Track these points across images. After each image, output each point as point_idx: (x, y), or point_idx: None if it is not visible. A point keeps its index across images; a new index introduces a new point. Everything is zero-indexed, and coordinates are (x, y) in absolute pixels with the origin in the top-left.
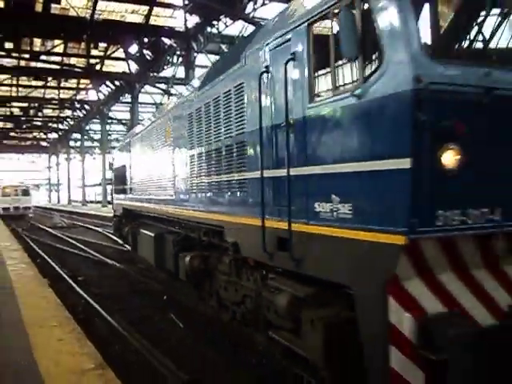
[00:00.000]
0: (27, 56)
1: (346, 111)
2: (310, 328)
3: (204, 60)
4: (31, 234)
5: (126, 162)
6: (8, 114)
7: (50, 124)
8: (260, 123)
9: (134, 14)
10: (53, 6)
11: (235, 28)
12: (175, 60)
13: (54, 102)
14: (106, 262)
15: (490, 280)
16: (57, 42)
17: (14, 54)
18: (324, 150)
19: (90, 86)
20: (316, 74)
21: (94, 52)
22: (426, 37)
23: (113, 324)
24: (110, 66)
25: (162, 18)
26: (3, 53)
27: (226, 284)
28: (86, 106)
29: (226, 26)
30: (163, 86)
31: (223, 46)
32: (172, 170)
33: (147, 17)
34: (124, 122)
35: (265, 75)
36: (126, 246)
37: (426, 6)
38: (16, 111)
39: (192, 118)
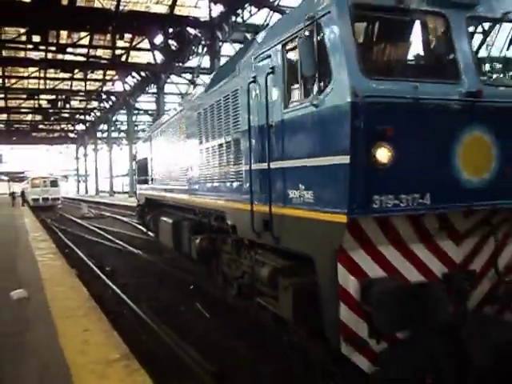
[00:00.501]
0: (54, 49)
1: (307, 117)
2: (284, 292)
3: (229, 49)
4: (60, 225)
5: (147, 155)
6: (36, 106)
7: (78, 115)
8: (249, 124)
9: (158, 5)
10: None
11: (260, 16)
12: (200, 50)
13: (80, 93)
14: (133, 252)
15: (425, 251)
16: (83, 34)
17: (41, 47)
18: (294, 148)
19: (116, 77)
20: (289, 86)
21: (119, 43)
22: (363, 60)
23: (139, 314)
24: (136, 57)
25: (186, 7)
26: (31, 46)
27: (229, 262)
28: (113, 97)
29: (251, 15)
30: (189, 75)
31: (248, 35)
32: (185, 163)
33: (172, 7)
34: (150, 112)
35: (252, 84)
36: (150, 233)
37: (364, 36)
38: (44, 103)
39: (200, 117)
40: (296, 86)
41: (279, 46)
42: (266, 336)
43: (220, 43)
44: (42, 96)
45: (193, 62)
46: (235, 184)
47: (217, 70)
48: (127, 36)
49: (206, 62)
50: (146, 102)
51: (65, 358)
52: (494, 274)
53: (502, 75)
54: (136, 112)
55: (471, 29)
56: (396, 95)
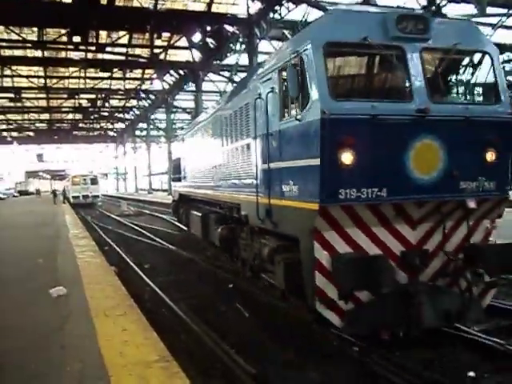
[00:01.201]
0: (93, 48)
1: (294, 128)
2: (278, 266)
3: (267, 46)
4: (99, 222)
5: (180, 155)
6: (77, 105)
7: (117, 114)
8: (255, 132)
9: (196, 3)
10: None
11: (298, 13)
12: (238, 47)
13: (119, 92)
14: (172, 250)
15: (385, 233)
16: (121, 33)
17: (81, 47)
18: (286, 152)
19: (155, 75)
20: (283, 103)
21: (157, 42)
22: (332, 86)
23: (178, 313)
24: (174, 56)
25: (224, 5)
26: (71, 46)
27: (244, 247)
28: (151, 96)
29: (289, 11)
30: (227, 73)
31: (286, 32)
32: (211, 163)
33: (209, 4)
34: (188, 110)
35: (258, 100)
36: (182, 226)
37: (334, 66)
38: (84, 103)
39: (222, 124)
40: (288, 103)
41: (276, 71)
42: (308, 337)
43: (258, 40)
44: (82, 95)
45: (231, 60)
46: (247, 181)
47: (235, 85)
48: (165, 34)
49: (244, 59)
50: (184, 100)
51: (103, 359)
52: (446, 253)
53: (447, 95)
54: (174, 110)
55: (426, 57)
56: (356, 113)
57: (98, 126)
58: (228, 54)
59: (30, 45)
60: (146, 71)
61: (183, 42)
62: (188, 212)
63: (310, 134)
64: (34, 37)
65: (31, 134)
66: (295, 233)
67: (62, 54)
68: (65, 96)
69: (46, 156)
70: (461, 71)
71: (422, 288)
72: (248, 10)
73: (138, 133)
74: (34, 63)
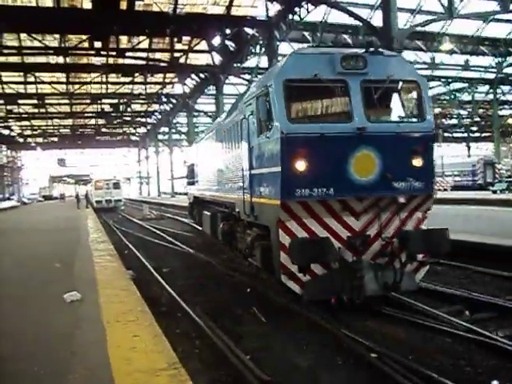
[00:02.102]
0: (114, 53)
1: (265, 143)
2: (256, 250)
3: (287, 48)
4: (121, 226)
5: (193, 161)
6: (99, 110)
7: (139, 118)
8: (243, 145)
9: (215, 6)
10: (137, 3)
11: (318, 14)
12: (258, 50)
13: (141, 96)
14: (191, 253)
15: (334, 222)
16: (142, 38)
17: (102, 53)
18: (261, 161)
19: (176, 79)
20: (259, 123)
21: (177, 46)
22: (289, 112)
23: (193, 318)
24: (194, 59)
25: (243, 7)
26: (93, 52)
27: (239, 238)
28: (173, 100)
29: (308, 12)
30: (247, 76)
31: (306, 34)
32: (216, 168)
33: (228, 7)
34: (210, 114)
35: (244, 119)
36: (198, 226)
37: (291, 97)
38: (106, 107)
39: (223, 136)
40: (261, 124)
41: (255, 99)
42: (325, 343)
43: (278, 42)
44: (104, 100)
45: (251, 63)
46: (239, 184)
47: (233, 104)
48: (185, 38)
49: (264, 61)
50: (205, 103)
51: (110, 366)
52: (383, 238)
53: (381, 116)
54: (196, 114)
55: (364, 86)
56: (307, 132)
57: (121, 131)
58: (248, 57)
59: (52, 51)
60: (167, 75)
61: (203, 45)
62: (200, 212)
63: (274, 148)
64: (55, 43)
65: (55, 139)
66: (267, 223)
67: (84, 60)
68: (87, 101)
69: (70, 161)
70: (394, 97)
71: (364, 265)
72: (267, 12)
73: (160, 137)
74: (56, 69)
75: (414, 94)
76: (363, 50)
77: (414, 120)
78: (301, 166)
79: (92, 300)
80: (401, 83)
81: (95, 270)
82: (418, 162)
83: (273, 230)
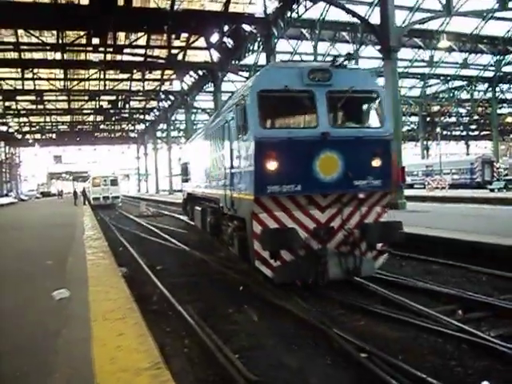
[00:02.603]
0: (112, 50)
1: (242, 145)
2: (235, 239)
3: (286, 46)
4: (117, 223)
5: (187, 160)
6: (98, 107)
7: (137, 115)
8: (225, 146)
9: (213, 3)
10: None
11: (316, 11)
12: (256, 47)
13: (140, 93)
14: (185, 251)
15: (302, 215)
16: (140, 34)
17: (100, 49)
18: (239, 161)
19: (174, 76)
20: (237, 127)
21: (176, 43)
22: (261, 119)
23: (184, 316)
24: (193, 56)
25: (241, 4)
26: (90, 48)
27: (224, 231)
28: (171, 97)
29: (306, 9)
30: (246, 73)
31: (304, 31)
32: (205, 167)
33: (226, 4)
34: (208, 111)
35: (226, 124)
36: (191, 222)
37: (264, 106)
38: (105, 104)
39: (210, 137)
40: (240, 128)
41: (234, 106)
42: (316, 342)
43: (276, 39)
44: (102, 97)
45: (249, 60)
46: (223, 181)
47: (220, 107)
48: (183, 35)
49: (262, 59)
50: (204, 100)
51: (93, 365)
52: (345, 229)
53: (344, 122)
54: (194, 111)
55: (329, 96)
56: (277, 136)
57: (119, 128)
58: (246, 54)
59: (49, 48)
60: (166, 72)
61: (201, 42)
62: (193, 208)
63: (249, 150)
64: (53, 40)
65: (53, 136)
66: (244, 216)
67: (82, 56)
68: (85, 98)
69: (69, 158)
70: (355, 105)
71: (328, 252)
72: (265, 9)
73: (158, 134)
74: (54, 66)
75: (374, 103)
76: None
77: (373, 126)
78: (272, 166)
79: (81, 297)
80: (362, 93)
81: (87, 267)
82: (376, 163)
83: (248, 221)
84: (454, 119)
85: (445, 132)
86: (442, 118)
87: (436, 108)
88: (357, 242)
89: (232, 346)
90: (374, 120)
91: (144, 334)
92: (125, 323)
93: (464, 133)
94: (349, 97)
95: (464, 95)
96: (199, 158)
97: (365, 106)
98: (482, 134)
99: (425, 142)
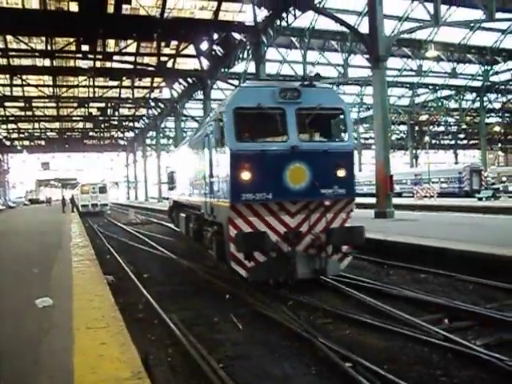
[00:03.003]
0: (101, 57)
1: (220, 157)
2: (214, 243)
3: (275, 54)
4: (105, 231)
5: (173, 169)
6: (87, 114)
7: (127, 123)
8: (205, 157)
9: (203, 11)
10: (124, 6)
11: (305, 19)
12: (245, 55)
13: (129, 101)
14: (173, 259)
15: (274, 220)
16: (129, 41)
17: (89, 56)
18: (217, 171)
19: (164, 84)
20: (216, 140)
21: (165, 50)
22: (236, 134)
23: (169, 325)
24: (182, 64)
25: (230, 12)
26: (80, 55)
27: (205, 236)
28: (161, 104)
29: (296, 18)
30: (235, 81)
31: (294, 39)
32: (188, 176)
33: (216, 12)
34: (197, 118)
35: (206, 137)
36: (176, 228)
37: (239, 122)
38: (94, 111)
39: (193, 149)
40: (218, 141)
41: (213, 121)
42: (301, 352)
43: (265, 48)
44: (91, 104)
45: (239, 68)
46: (203, 190)
47: (199, 124)
48: (173, 43)
49: (252, 67)
50: (193, 108)
51: (74, 375)
52: (313, 233)
53: (312, 136)
54: (184, 119)
55: (298, 113)
56: (251, 149)
57: (109, 135)
58: (236, 62)
59: (38, 54)
60: (155, 79)
61: (191, 50)
62: (177, 214)
63: (225, 162)
64: (42, 46)
65: (42, 142)
66: (221, 221)
67: (71, 63)
68: (75, 105)
69: (57, 165)
70: (322, 121)
71: (297, 254)
72: (255, 18)
73: (148, 141)
74: (43, 72)
75: (339, 119)
76: (299, 84)
77: (338, 140)
78: (246, 175)
79: (65, 306)
80: (328, 110)
81: (73, 274)
82: (340, 173)
83: (225, 226)
84: (442, 128)
85: (434, 141)
86: (431, 127)
87: (425, 117)
88: (323, 245)
89: (216, 356)
90: (338, 134)
91: (127, 343)
92: (108, 332)
93: (452, 142)
94: (316, 113)
95: (452, 104)
96: (184, 168)
97: (331, 122)
98: (470, 143)
99: (414, 151)
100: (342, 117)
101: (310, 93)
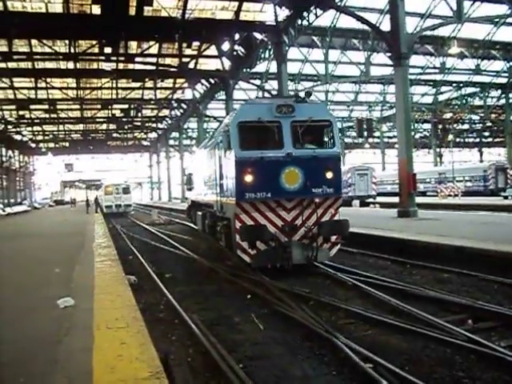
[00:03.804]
0: (124, 59)
1: (228, 162)
2: (222, 234)
3: (296, 53)
4: (128, 231)
5: (190, 171)
6: (110, 115)
7: (150, 124)
8: (217, 162)
9: (223, 11)
10: (145, 8)
11: (327, 18)
12: (267, 55)
13: (152, 102)
14: (195, 259)
15: (272, 215)
16: (151, 43)
17: (112, 58)
18: (226, 174)
19: (186, 84)
20: (225, 148)
21: (187, 51)
22: (241, 143)
23: (190, 325)
24: (204, 64)
25: (251, 12)
26: (102, 57)
27: (219, 230)
28: (183, 105)
29: (317, 17)
30: (257, 81)
31: (315, 38)
32: (204, 178)
33: (237, 12)
34: (220, 119)
35: (217, 145)
36: (194, 226)
37: (243, 133)
38: (117, 113)
39: (208, 154)
40: (226, 149)
41: (223, 132)
42: (321, 352)
43: (287, 47)
44: (115, 105)
45: (260, 67)
46: (216, 190)
47: (212, 133)
48: (195, 43)
49: (273, 66)
50: (216, 109)
51: (93, 374)
52: (306, 226)
53: (304, 144)
54: (206, 119)
55: (293, 125)
56: (252, 156)
57: (132, 136)
58: (258, 62)
59: (62, 57)
60: (178, 80)
61: (213, 50)
62: (195, 213)
63: (232, 166)
64: (66, 49)
65: (66, 144)
66: (229, 216)
67: (94, 65)
68: (98, 106)
69: (82, 166)
70: (313, 131)
71: (292, 244)
72: (276, 17)
73: (171, 142)
74: (67, 75)
75: (327, 129)
76: (293, 100)
77: (326, 147)
78: (248, 178)
79: (86, 305)
80: (318, 122)
81: (95, 275)
82: (329, 175)
83: (232, 220)
84: (466, 126)
85: (458, 139)
86: (455, 125)
87: (449, 115)
88: (315, 236)
89: (236, 356)
90: (327, 142)
91: (146, 342)
92: (128, 332)
93: (477, 140)
94: (308, 125)
95: (477, 102)
96: (200, 170)
97: (320, 132)
98: (495, 140)
99: (438, 149)
100: (329, 127)
101: (302, 107)
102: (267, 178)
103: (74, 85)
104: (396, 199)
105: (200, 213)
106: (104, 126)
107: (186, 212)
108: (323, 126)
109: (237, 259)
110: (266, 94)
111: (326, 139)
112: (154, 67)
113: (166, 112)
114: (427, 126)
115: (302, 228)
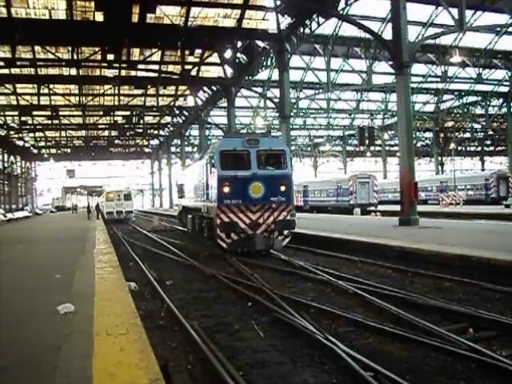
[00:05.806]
0: (126, 66)
1: (212, 178)
2: (206, 229)
3: (298, 61)
4: (129, 238)
5: (181, 182)
6: (112, 122)
7: (152, 131)
8: (203, 178)
9: (226, 19)
10: (148, 15)
11: (329, 26)
12: (269, 62)
13: (154, 109)
14: (196, 266)
15: (243, 216)
16: (154, 50)
17: (115, 65)
18: (211, 186)
19: (188, 92)
20: (210, 169)
21: (189, 58)
22: (221, 166)
23: (190, 332)
24: (206, 72)
25: (254, 20)
26: (105, 64)
27: (206, 229)
28: (185, 112)
29: (319, 25)
30: (259, 89)
31: (317, 46)
32: (194, 187)
33: (239, 20)
34: (221, 126)
35: (204, 165)
36: (183, 228)
37: (224, 159)
38: (119, 119)
39: (197, 170)
40: (212, 169)
41: (208, 157)
42: (322, 360)
43: (289, 55)
44: (117, 112)
45: (263, 75)
46: (203, 197)
47: (202, 153)
48: (197, 51)
49: (276, 74)
50: (218, 116)
51: (91, 381)
52: (266, 223)
53: (266, 167)
54: (208, 126)
55: (258, 153)
56: (229, 175)
57: (134, 143)
58: (260, 70)
59: (64, 64)
60: (180, 88)
61: (215, 58)
62: (185, 216)
63: (215, 181)
64: (68, 56)
65: (68, 150)
66: (212, 215)
67: (97, 72)
68: (100, 113)
69: (83, 172)
70: (272, 157)
71: (256, 235)
72: (278, 25)
73: (172, 149)
74: (69, 81)
75: (282, 156)
76: (259, 134)
77: (281, 168)
78: (226, 189)
79: (86, 312)
80: (275, 151)
81: (95, 281)
82: (282, 188)
83: (214, 218)
84: (468, 135)
85: (459, 147)
86: (457, 134)
87: (450, 123)
88: (272, 231)
89: (236, 363)
90: (281, 165)
91: (146, 349)
92: (127, 338)
93: (479, 148)
94: (268, 153)
95: (478, 110)
96: (191, 182)
97: (277, 158)
98: (497, 149)
99: (439, 158)
100: (284, 155)
101: (265, 141)
102: (239, 190)
103: (77, 91)
104: (397, 207)
105: (190, 216)
106: (106, 133)
107: (177, 216)
108: (279, 154)
109: (233, 261)
110: (268, 102)
111: (281, 163)
112: (156, 74)
113: (167, 119)
114: (429, 134)
115: (264, 225)
